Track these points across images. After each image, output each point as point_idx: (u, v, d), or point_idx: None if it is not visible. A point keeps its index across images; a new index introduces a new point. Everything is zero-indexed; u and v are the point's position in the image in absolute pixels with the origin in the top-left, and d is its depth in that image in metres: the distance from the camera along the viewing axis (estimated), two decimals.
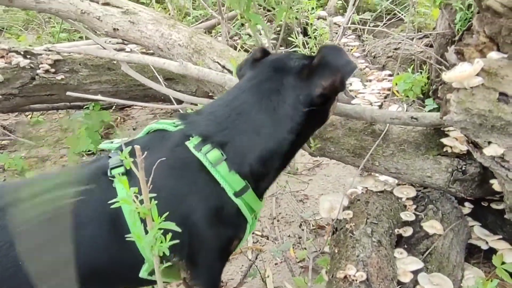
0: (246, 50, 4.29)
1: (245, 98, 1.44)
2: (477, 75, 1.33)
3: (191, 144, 1.37)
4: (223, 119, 1.41)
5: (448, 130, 2.01)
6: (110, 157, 1.42)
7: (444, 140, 1.98)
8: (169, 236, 1.30)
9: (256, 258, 2.43)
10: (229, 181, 1.36)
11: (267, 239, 2.60)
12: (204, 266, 1.46)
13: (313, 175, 3.17)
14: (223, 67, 2.30)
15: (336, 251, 1.78)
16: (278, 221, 2.74)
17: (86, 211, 1.33)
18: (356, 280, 1.55)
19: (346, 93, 3.76)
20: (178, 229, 1.31)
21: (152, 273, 1.37)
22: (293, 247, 2.48)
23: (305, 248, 2.44)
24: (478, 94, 1.34)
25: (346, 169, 3.18)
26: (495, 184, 1.88)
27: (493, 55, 1.39)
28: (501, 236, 2.11)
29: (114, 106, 4.49)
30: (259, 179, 1.43)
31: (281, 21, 1.60)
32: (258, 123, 1.41)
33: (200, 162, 1.35)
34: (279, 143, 1.42)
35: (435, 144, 2.01)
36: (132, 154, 1.32)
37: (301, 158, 3.33)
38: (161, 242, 1.31)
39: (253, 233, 2.63)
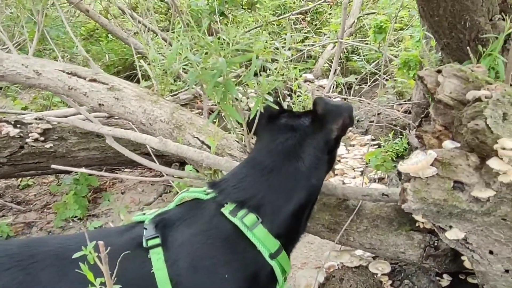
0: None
1: (271, 159, 1.54)
2: (432, 165, 1.39)
3: (226, 210, 1.42)
4: (254, 182, 1.49)
5: None
6: (145, 228, 1.43)
7: (416, 217, 2.02)
8: None
9: None
10: (266, 243, 1.39)
11: None
12: None
13: None
14: (202, 142, 2.37)
15: None
16: None
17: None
18: None
19: None
20: None
21: None
22: None
23: None
24: (433, 183, 1.40)
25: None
26: (466, 261, 1.90)
27: (448, 144, 1.47)
28: None
29: (103, 170, 4.55)
30: (292, 235, 1.52)
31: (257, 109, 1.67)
32: (290, 179, 1.52)
33: (237, 228, 1.39)
34: (310, 191, 1.58)
35: (407, 219, 2.05)
36: (162, 227, 1.41)
37: None
38: None
39: None
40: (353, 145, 3.83)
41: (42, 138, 3.49)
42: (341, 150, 3.82)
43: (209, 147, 2.34)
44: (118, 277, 1.32)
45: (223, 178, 1.63)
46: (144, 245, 1.37)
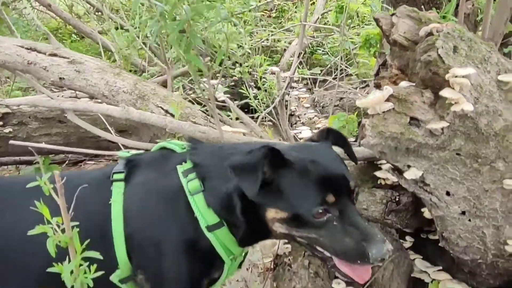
0: (199, 103, 4.40)
1: (237, 150, 1.47)
2: (388, 101, 1.44)
3: (181, 169, 1.41)
4: (214, 157, 1.45)
5: (381, 164, 2.10)
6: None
7: (378, 173, 2.06)
8: (93, 267, 1.29)
9: None
10: (203, 212, 1.36)
11: None
12: None
13: None
14: (166, 111, 2.36)
15: (275, 285, 1.77)
16: None
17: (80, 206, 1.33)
18: None
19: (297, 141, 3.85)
20: (101, 257, 1.31)
21: (123, 281, 1.38)
22: None
23: None
24: (390, 118, 1.44)
25: None
26: (426, 212, 1.95)
27: (403, 84, 1.51)
28: (441, 267, 2.15)
29: (67, 161, 4.44)
30: (230, 222, 1.40)
31: (222, 59, 1.67)
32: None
33: (183, 189, 1.38)
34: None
35: (369, 177, 2.09)
36: (132, 165, 1.45)
37: None
38: (85, 272, 1.30)
39: None
40: (318, 128, 3.88)
41: (0, 123, 3.38)
42: (306, 133, 3.87)
43: (173, 116, 2.33)
44: (79, 204, 1.35)
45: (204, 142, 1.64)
46: (110, 177, 1.41)
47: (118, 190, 1.38)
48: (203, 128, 2.11)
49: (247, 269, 2.61)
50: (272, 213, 1.28)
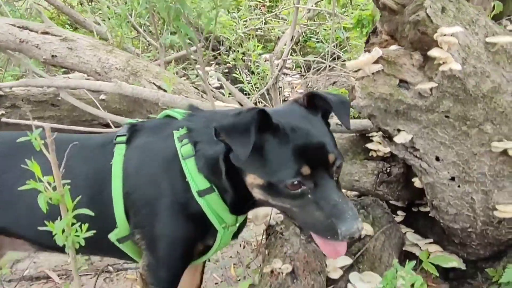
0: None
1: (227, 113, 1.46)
2: (377, 63, 1.45)
3: (177, 134, 1.42)
4: (209, 121, 1.44)
5: (372, 136, 2.11)
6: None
7: (369, 145, 2.08)
8: (85, 227, 1.29)
9: None
10: (194, 177, 1.37)
11: (209, 261, 2.56)
12: (162, 259, 1.45)
13: None
14: (159, 87, 2.36)
15: (267, 252, 1.79)
16: None
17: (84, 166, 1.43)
18: (282, 273, 1.56)
19: None
20: (91, 213, 1.32)
21: (121, 240, 1.41)
22: (234, 266, 2.45)
23: (248, 267, 2.41)
24: (379, 79, 1.45)
25: None
26: (416, 181, 1.97)
27: (393, 47, 1.53)
28: (432, 240, 2.18)
29: None
30: (220, 187, 1.40)
31: (210, 28, 1.68)
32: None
33: (177, 153, 1.39)
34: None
35: (361, 149, 2.11)
36: (134, 130, 1.49)
37: None
38: (76, 231, 1.31)
39: None
40: None
41: None
42: None
43: (165, 91, 2.33)
44: (82, 164, 1.43)
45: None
46: (113, 140, 1.46)
47: (119, 152, 1.42)
48: (196, 101, 2.12)
49: (240, 245, 2.64)
50: (251, 179, 1.27)
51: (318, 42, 5.74)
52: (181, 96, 2.15)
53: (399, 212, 2.36)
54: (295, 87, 4.84)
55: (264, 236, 1.99)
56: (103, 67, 2.49)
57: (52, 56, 2.58)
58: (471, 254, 2.04)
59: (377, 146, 2.07)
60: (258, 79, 4.03)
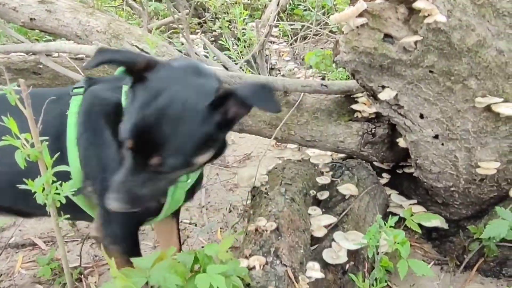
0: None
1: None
2: (362, 16, 1.42)
3: (125, 88, 1.37)
4: None
5: (357, 97, 2.10)
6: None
7: (354, 106, 2.07)
8: (66, 185, 1.28)
9: (182, 244, 2.38)
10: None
11: (195, 225, 2.56)
12: (114, 214, 1.35)
13: (243, 167, 3.19)
14: (141, 50, 2.31)
15: (252, 212, 1.79)
16: (207, 209, 2.71)
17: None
18: (267, 231, 1.56)
19: None
20: (70, 169, 1.29)
21: (77, 192, 1.38)
22: (220, 230, 2.46)
23: (234, 230, 2.42)
24: (364, 33, 1.43)
25: (275, 160, 3.23)
26: (401, 141, 1.97)
27: (377, 0, 1.49)
28: (415, 201, 2.20)
29: None
30: None
31: None
32: None
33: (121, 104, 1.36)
34: None
35: (346, 111, 2.10)
36: (92, 82, 1.46)
37: (232, 152, 3.35)
38: (56, 188, 1.29)
39: (180, 221, 2.59)
40: (298, 77, 3.86)
41: None
42: None
43: (148, 54, 2.28)
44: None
45: None
46: (70, 92, 1.44)
47: (75, 103, 1.40)
48: None
49: (226, 209, 2.65)
50: None
51: (305, 10, 5.65)
52: (165, 58, 2.11)
53: (384, 175, 2.37)
54: (282, 54, 4.79)
55: (249, 197, 1.99)
56: (83, 30, 2.42)
57: (31, 19, 2.50)
58: (454, 213, 2.07)
59: (362, 107, 2.06)
60: (244, 47, 3.96)
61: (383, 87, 1.58)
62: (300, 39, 5.39)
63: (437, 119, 1.64)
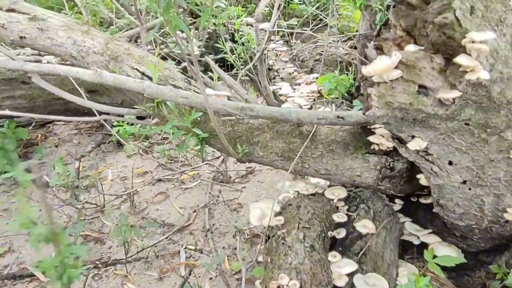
0: (173, 59, 4.16)
1: None
2: (396, 68, 1.31)
3: None
4: None
5: (374, 128, 2.00)
6: None
7: (371, 138, 1.97)
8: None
9: (190, 274, 2.29)
10: None
11: (201, 252, 2.47)
12: None
13: (246, 182, 3.09)
14: (143, 73, 2.16)
15: (269, 260, 1.70)
16: (212, 233, 2.62)
17: None
18: None
19: (277, 98, 3.73)
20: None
21: None
22: (228, 259, 2.38)
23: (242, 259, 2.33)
24: (398, 87, 1.32)
25: (280, 174, 3.14)
26: (422, 179, 1.89)
27: (410, 47, 1.38)
28: (431, 230, 2.13)
29: (33, 123, 4.19)
30: None
31: (206, 23, 1.50)
32: None
33: None
34: None
35: (363, 143, 2.00)
36: None
37: (234, 165, 3.25)
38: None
39: (185, 248, 2.49)
40: (299, 84, 3.74)
41: None
42: (287, 89, 3.73)
43: (150, 78, 2.14)
44: None
45: None
46: None
47: None
48: (185, 93, 1.95)
49: (233, 236, 2.55)
50: None
51: (301, 3, 5.49)
52: (169, 87, 1.97)
53: (397, 200, 2.29)
54: (279, 54, 4.65)
55: (263, 237, 1.90)
56: (79, 50, 2.25)
57: (21, 37, 2.33)
58: (472, 246, 2.01)
59: (380, 139, 1.96)
60: (242, 49, 3.81)
61: (413, 136, 1.47)
62: (295, 35, 5.25)
63: (467, 166, 1.55)
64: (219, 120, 2.08)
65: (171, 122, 1.98)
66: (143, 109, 2.17)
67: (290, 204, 1.97)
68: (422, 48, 1.37)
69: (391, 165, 1.95)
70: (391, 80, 1.31)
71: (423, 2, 1.37)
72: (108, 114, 2.33)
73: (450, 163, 1.57)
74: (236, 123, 2.08)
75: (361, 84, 1.52)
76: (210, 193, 2.97)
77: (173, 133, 2.04)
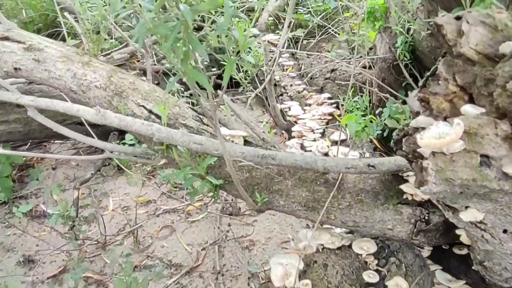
0: (174, 74, 3.96)
1: None
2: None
3: None
4: None
5: (407, 175, 1.82)
6: None
7: (404, 187, 1.79)
8: None
9: None
10: None
11: None
12: None
13: (257, 215, 2.90)
14: (150, 111, 1.97)
15: None
16: (222, 275, 2.43)
17: None
18: None
19: (285, 118, 3.54)
20: None
21: None
22: None
23: None
24: (459, 160, 1.13)
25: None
26: (463, 236, 1.71)
27: (468, 109, 1.19)
28: (464, 282, 1.96)
29: (28, 144, 3.98)
30: None
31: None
32: None
33: None
34: None
35: (394, 192, 1.81)
36: None
37: None
38: None
39: None
40: (309, 105, 3.55)
41: None
42: (297, 110, 3.53)
43: (158, 117, 1.95)
44: None
45: None
46: None
47: None
48: (199, 138, 1.76)
49: (248, 284, 2.37)
50: None
51: (306, 13, 5.29)
52: (180, 131, 1.78)
53: (425, 247, 2.11)
54: (287, 69, 4.45)
55: None
56: (79, 84, 2.05)
57: (15, 68, 2.13)
58: None
59: (414, 189, 1.78)
60: (249, 65, 3.61)
61: (467, 207, 1.29)
62: (301, 45, 5.06)
63: None
64: (235, 165, 1.89)
65: (183, 171, 1.78)
66: (151, 151, 1.98)
67: (316, 262, 1.78)
68: (483, 110, 1.18)
69: (426, 218, 1.77)
70: (451, 153, 1.12)
71: (485, 57, 1.19)
72: (111, 152, 2.15)
73: (505, 231, 1.38)
74: (254, 168, 1.89)
75: (404, 140, 1.33)
76: (219, 227, 2.78)
77: (184, 179, 1.85)
